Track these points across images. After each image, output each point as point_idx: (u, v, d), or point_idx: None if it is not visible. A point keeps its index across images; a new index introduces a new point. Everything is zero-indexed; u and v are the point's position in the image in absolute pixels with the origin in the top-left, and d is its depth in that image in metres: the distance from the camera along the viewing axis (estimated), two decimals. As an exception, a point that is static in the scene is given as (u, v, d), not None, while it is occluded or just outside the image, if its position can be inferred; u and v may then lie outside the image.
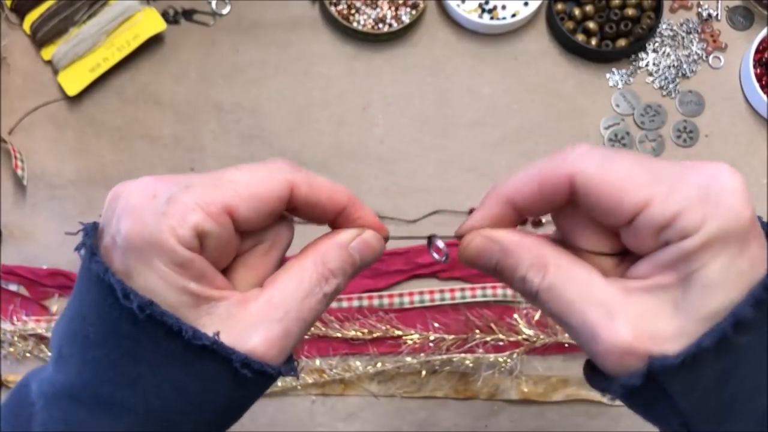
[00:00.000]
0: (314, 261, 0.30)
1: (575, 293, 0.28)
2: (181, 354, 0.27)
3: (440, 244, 0.33)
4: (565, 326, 0.28)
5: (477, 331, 0.61)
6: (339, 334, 0.61)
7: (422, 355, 0.61)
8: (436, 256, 0.34)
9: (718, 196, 0.25)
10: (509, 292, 0.62)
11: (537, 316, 0.61)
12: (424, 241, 0.35)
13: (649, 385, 0.26)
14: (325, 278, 0.30)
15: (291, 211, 0.31)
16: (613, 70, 0.67)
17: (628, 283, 0.28)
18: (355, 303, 0.62)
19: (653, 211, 0.26)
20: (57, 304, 0.63)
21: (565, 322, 0.28)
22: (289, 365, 0.30)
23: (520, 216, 0.31)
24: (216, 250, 0.28)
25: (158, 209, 0.26)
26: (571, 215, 0.30)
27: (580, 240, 0.30)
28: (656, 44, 0.68)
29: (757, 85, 0.64)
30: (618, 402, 0.65)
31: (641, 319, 0.26)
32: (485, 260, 0.30)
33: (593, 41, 0.66)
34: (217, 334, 0.27)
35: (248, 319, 0.28)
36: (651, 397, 0.27)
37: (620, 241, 0.29)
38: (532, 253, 0.29)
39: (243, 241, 0.30)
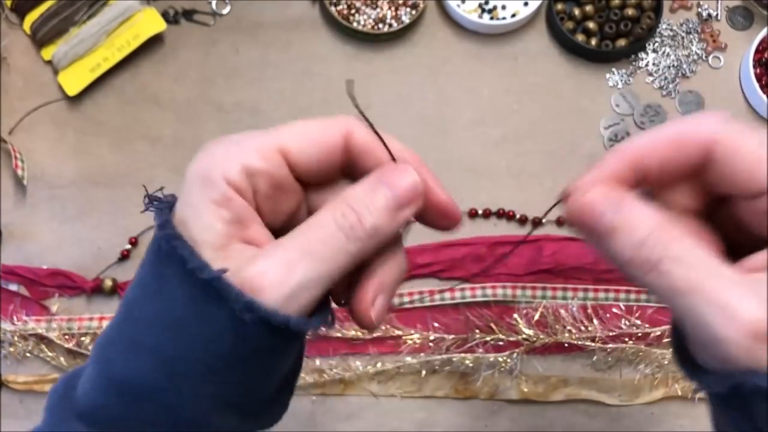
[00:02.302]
0: (333, 200, 0.27)
1: (704, 268, 0.25)
2: (192, 291, 0.25)
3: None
4: (679, 305, 0.25)
5: (477, 330, 0.61)
6: (339, 334, 0.61)
7: (422, 355, 0.61)
8: None
9: None
10: (509, 291, 0.62)
11: (537, 316, 0.61)
12: None
13: (734, 396, 0.25)
14: (340, 212, 0.27)
15: (353, 166, 0.29)
16: (613, 70, 0.67)
17: (747, 273, 0.26)
18: (355, 303, 0.62)
19: None
20: (57, 304, 0.63)
21: (685, 301, 0.25)
22: (317, 318, 0.27)
23: (637, 184, 0.28)
24: (267, 194, 0.28)
25: (219, 151, 0.27)
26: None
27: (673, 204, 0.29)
28: (656, 44, 0.68)
29: (756, 85, 0.64)
30: (617, 402, 0.65)
31: None
32: (596, 216, 0.27)
33: (593, 41, 0.66)
34: (224, 270, 0.25)
35: (254, 258, 0.26)
36: (734, 406, 0.26)
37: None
38: (654, 218, 0.26)
39: (309, 201, 0.30)
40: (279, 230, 0.29)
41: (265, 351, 0.26)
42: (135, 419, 0.27)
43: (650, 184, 0.28)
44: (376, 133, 0.29)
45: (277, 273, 0.25)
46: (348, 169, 0.30)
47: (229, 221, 0.26)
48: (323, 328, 0.27)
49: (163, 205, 0.28)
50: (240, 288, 0.25)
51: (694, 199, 0.29)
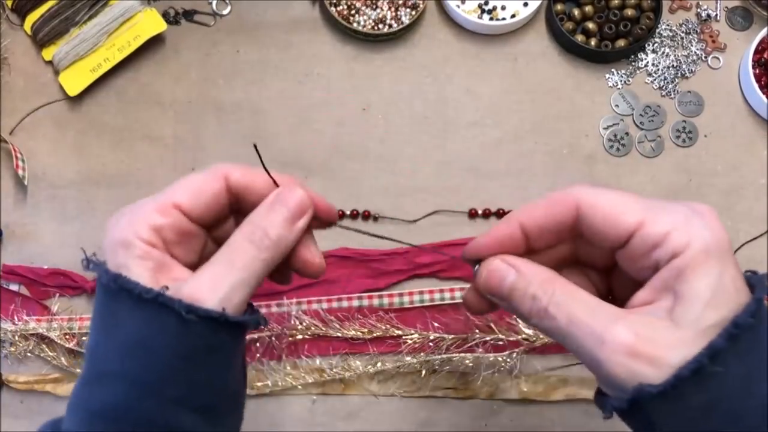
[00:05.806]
0: (243, 223, 0.34)
1: (582, 307, 0.30)
2: (142, 312, 0.31)
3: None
4: (569, 341, 0.31)
5: (477, 330, 0.61)
6: (339, 334, 0.61)
7: (422, 354, 0.61)
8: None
9: (700, 220, 0.30)
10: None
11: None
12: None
13: (635, 410, 0.29)
14: (249, 230, 0.33)
15: (239, 203, 0.36)
16: (613, 70, 0.67)
17: (631, 308, 0.31)
18: (355, 303, 0.62)
19: (647, 230, 0.30)
20: (57, 304, 0.63)
21: (571, 336, 0.30)
22: (249, 316, 0.33)
23: (528, 244, 0.34)
24: (175, 241, 0.34)
25: (126, 220, 0.33)
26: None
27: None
28: (655, 45, 0.68)
29: (756, 85, 0.64)
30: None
31: (642, 326, 0.29)
32: (499, 281, 0.33)
33: (592, 42, 0.67)
34: (165, 288, 0.31)
35: (188, 279, 0.33)
36: (639, 422, 0.30)
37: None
38: (543, 275, 0.32)
39: (213, 240, 0.36)
40: (195, 269, 0.34)
41: (214, 347, 0.32)
42: None
43: (538, 243, 0.34)
44: (264, 166, 0.35)
45: (209, 285, 0.32)
46: (235, 205, 0.36)
47: (153, 269, 0.32)
48: (258, 323, 0.34)
49: (101, 263, 0.33)
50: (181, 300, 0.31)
51: (584, 252, 0.36)
